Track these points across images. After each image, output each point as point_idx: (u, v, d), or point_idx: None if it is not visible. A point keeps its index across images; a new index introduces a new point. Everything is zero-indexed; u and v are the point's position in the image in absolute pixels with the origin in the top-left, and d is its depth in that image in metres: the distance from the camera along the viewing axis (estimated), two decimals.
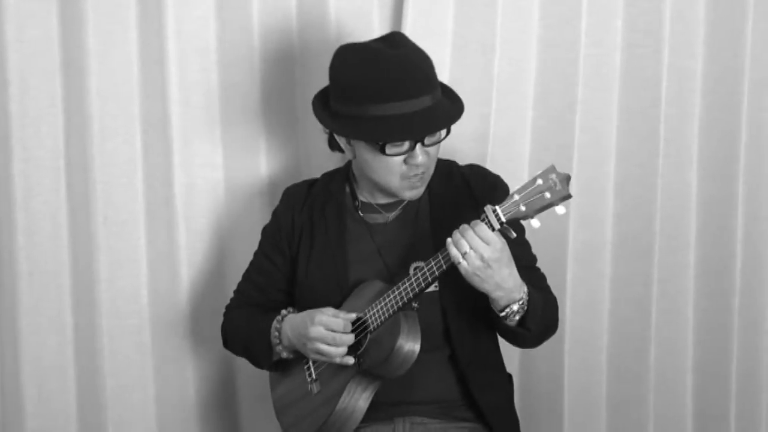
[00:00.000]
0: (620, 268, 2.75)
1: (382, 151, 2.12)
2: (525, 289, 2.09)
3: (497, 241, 1.99)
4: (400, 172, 2.16)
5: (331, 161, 2.57)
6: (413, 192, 2.21)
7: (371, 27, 2.58)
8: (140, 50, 2.56)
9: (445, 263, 2.04)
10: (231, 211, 2.64)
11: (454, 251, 2.00)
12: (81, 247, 2.59)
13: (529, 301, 2.09)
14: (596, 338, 2.76)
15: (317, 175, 2.44)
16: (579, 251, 2.72)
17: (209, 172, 2.62)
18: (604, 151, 2.70)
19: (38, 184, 2.56)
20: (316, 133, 2.55)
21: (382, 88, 2.09)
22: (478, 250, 1.98)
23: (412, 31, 2.52)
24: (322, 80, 2.40)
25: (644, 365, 2.77)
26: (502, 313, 2.08)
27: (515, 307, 2.07)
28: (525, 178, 2.61)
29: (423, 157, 2.14)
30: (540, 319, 2.13)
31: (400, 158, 2.14)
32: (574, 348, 2.73)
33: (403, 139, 2.12)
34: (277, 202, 2.42)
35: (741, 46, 2.71)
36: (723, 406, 2.85)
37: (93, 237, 2.58)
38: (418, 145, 2.13)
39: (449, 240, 2.01)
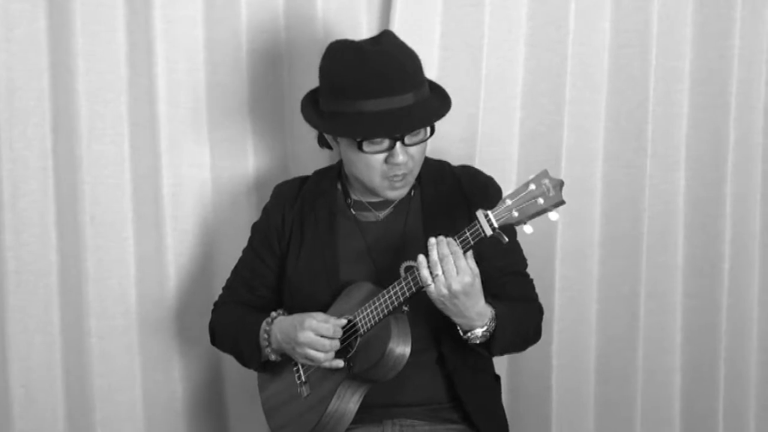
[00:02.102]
0: (608, 267, 2.75)
1: (360, 149, 2.12)
2: (490, 315, 2.09)
3: (468, 273, 2.00)
4: (380, 170, 2.15)
5: (319, 161, 2.57)
6: (394, 192, 2.20)
7: (359, 27, 2.58)
8: (128, 50, 2.56)
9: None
10: (219, 211, 2.64)
11: (425, 273, 2.01)
12: (69, 247, 2.59)
13: (495, 328, 2.10)
14: (584, 338, 2.76)
15: (303, 175, 2.43)
16: (567, 251, 2.72)
17: (197, 172, 2.62)
18: (592, 151, 2.70)
19: (26, 183, 2.56)
20: (303, 132, 2.56)
21: (362, 85, 2.09)
22: (447, 279, 1.99)
23: (399, 31, 2.50)
24: (310, 80, 2.40)
25: (632, 365, 2.77)
26: (464, 336, 2.10)
27: (478, 333, 2.09)
28: (513, 179, 2.64)
29: (403, 156, 2.13)
30: (507, 345, 2.16)
31: (381, 157, 2.14)
32: (561, 348, 2.73)
33: (375, 137, 2.11)
34: (264, 202, 2.42)
35: (728, 46, 2.71)
36: (711, 406, 2.84)
37: (81, 237, 2.58)
38: (398, 144, 2.12)
39: (422, 259, 2.01)
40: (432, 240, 2.02)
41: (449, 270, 1.99)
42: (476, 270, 2.03)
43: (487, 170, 2.36)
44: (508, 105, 2.66)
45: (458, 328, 2.10)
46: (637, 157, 2.71)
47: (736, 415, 2.88)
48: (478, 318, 2.07)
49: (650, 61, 2.67)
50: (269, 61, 2.60)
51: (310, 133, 2.51)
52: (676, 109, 2.73)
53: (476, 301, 2.05)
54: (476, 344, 2.11)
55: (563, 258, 2.72)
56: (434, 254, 2.01)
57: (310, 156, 2.60)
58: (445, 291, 2.00)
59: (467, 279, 2.00)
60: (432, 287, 2.01)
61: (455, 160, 2.39)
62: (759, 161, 2.81)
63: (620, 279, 2.75)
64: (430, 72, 2.56)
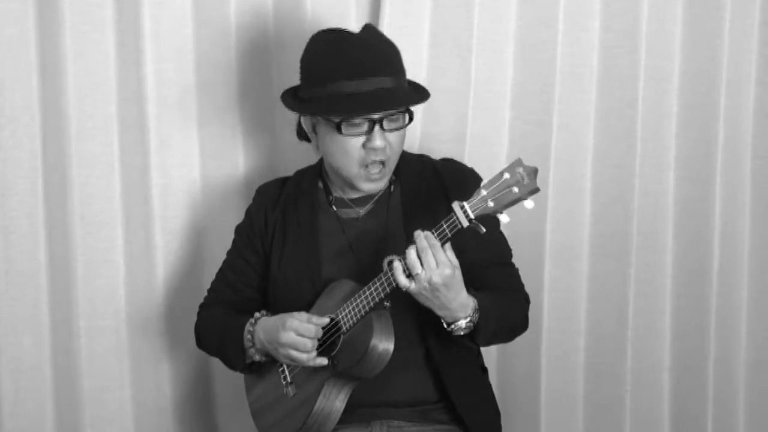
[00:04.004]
0: (597, 267, 2.75)
1: (339, 130, 2.13)
2: (473, 306, 2.09)
3: (448, 265, 2.00)
4: (358, 157, 2.16)
5: (307, 160, 2.57)
6: (371, 185, 2.21)
7: (348, 27, 2.56)
8: (117, 50, 2.56)
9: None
10: (208, 211, 2.65)
11: (402, 280, 2.01)
12: (58, 247, 2.59)
13: (479, 319, 2.10)
14: (573, 338, 2.76)
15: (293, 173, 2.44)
16: (556, 251, 2.72)
17: (186, 172, 2.62)
18: (581, 151, 2.71)
19: (15, 183, 2.56)
20: (292, 132, 2.56)
21: (339, 66, 2.10)
22: (428, 272, 1.99)
23: (388, 31, 2.52)
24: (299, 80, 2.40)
25: (621, 365, 2.77)
26: (449, 329, 2.10)
27: (461, 324, 2.09)
28: None
29: (381, 141, 2.13)
30: (492, 335, 2.14)
31: (359, 142, 2.14)
32: (551, 347, 2.73)
33: (353, 114, 2.11)
34: None
35: (718, 46, 2.71)
36: (700, 406, 2.84)
37: (70, 237, 2.58)
38: (377, 128, 2.12)
39: (397, 264, 2.01)
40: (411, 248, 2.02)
41: (429, 263, 1.99)
42: (455, 262, 2.03)
43: (476, 170, 2.36)
44: (497, 105, 2.66)
45: (442, 321, 2.10)
46: (627, 156, 2.71)
47: (726, 415, 2.88)
48: (460, 309, 2.07)
49: (639, 61, 2.68)
50: (258, 60, 2.60)
51: None
52: (666, 108, 2.73)
53: (458, 292, 2.05)
54: (461, 336, 2.11)
55: (552, 258, 2.72)
56: (411, 254, 2.00)
57: (299, 155, 2.60)
58: (426, 284, 2.00)
59: (447, 271, 2.00)
60: (412, 285, 2.01)
61: None
62: (748, 161, 2.81)
63: (609, 279, 2.75)
64: (420, 71, 2.57)
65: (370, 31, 2.19)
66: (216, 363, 2.64)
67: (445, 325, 2.10)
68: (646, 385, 2.81)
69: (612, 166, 2.72)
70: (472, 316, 2.09)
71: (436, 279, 1.99)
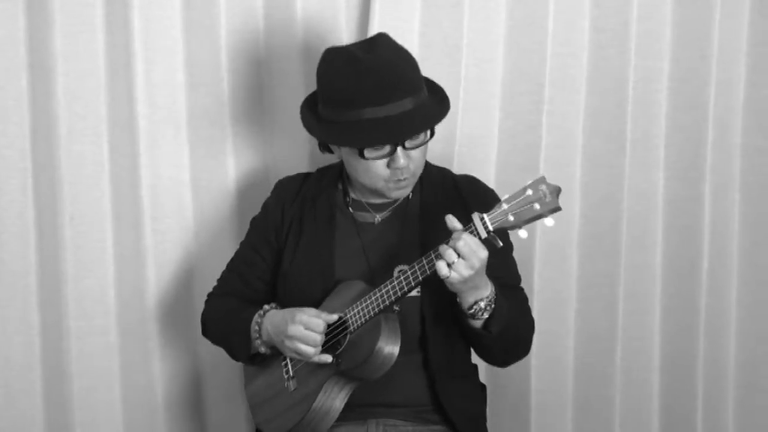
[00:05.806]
0: (587, 268, 2.75)
1: (362, 156, 2.13)
2: (492, 287, 2.08)
3: (481, 246, 1.98)
4: (383, 175, 2.16)
5: (299, 161, 2.58)
6: (399, 192, 2.21)
7: (338, 28, 2.58)
8: (107, 51, 2.56)
9: (429, 268, 2.03)
10: (197, 212, 2.64)
11: (442, 266, 1.98)
12: (48, 247, 2.59)
13: (496, 299, 2.09)
14: (563, 338, 2.76)
15: (282, 176, 2.44)
16: (546, 252, 2.72)
17: (176, 173, 2.62)
18: (571, 152, 2.71)
19: (5, 183, 2.56)
20: (283, 133, 2.56)
21: (358, 94, 2.09)
22: (469, 260, 1.97)
23: (378, 30, 2.52)
24: (289, 81, 2.40)
25: (611, 365, 2.78)
26: (471, 310, 2.08)
27: (482, 304, 2.07)
28: (492, 179, 2.65)
29: (405, 160, 2.14)
30: (505, 324, 2.12)
31: (382, 162, 2.15)
32: (540, 348, 2.72)
33: (375, 144, 2.12)
34: (243, 203, 2.43)
35: (707, 46, 2.71)
36: (689, 406, 2.84)
37: (60, 237, 2.59)
38: (399, 149, 2.13)
39: (437, 263, 1.99)
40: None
41: (466, 252, 1.97)
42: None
43: (466, 170, 2.37)
44: (487, 105, 2.66)
45: (463, 305, 2.08)
46: (616, 157, 2.71)
47: (715, 415, 2.88)
48: (483, 286, 2.06)
49: (629, 61, 2.68)
50: (248, 61, 2.60)
51: (289, 134, 2.52)
52: (655, 109, 2.73)
53: (483, 270, 2.04)
54: (473, 328, 2.10)
55: (542, 258, 2.72)
56: (443, 246, 1.99)
57: (289, 156, 2.61)
58: (467, 272, 1.98)
59: (484, 254, 1.98)
60: (454, 274, 1.98)
61: (433, 161, 2.39)
62: (737, 161, 2.81)
63: (599, 279, 2.75)
64: None
65: (384, 47, 2.15)
66: (207, 363, 2.65)
67: (467, 308, 2.08)
68: (636, 386, 2.82)
69: (602, 166, 2.72)
70: (491, 297, 2.08)
71: (476, 263, 1.97)
